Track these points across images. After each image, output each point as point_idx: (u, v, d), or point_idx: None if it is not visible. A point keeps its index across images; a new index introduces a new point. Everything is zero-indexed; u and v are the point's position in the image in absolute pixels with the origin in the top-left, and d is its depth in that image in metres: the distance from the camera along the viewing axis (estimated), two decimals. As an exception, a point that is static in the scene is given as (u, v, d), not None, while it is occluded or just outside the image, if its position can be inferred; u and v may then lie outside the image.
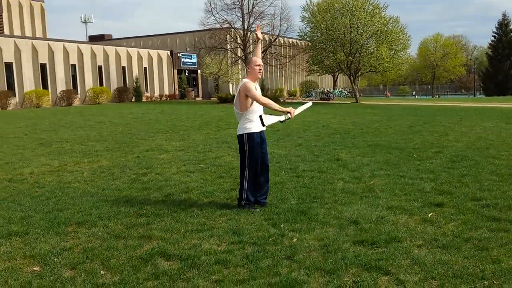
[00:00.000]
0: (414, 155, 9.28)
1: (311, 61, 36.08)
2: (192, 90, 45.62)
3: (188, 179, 7.26)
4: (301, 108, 5.77)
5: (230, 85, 48.14)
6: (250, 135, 5.37)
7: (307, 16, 33.96)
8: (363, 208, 5.50)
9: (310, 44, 35.67)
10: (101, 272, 3.73)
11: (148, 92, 42.00)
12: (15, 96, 31.12)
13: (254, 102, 5.34)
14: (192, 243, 4.36)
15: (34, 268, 3.79)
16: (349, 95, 47.03)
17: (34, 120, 19.87)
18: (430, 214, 5.23)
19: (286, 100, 39.03)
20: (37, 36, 44.39)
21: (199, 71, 47.47)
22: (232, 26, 35.75)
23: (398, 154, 9.41)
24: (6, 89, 30.57)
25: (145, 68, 41.95)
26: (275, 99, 35.17)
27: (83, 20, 77.72)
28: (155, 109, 26.99)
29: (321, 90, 45.36)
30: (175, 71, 45.37)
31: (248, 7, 35.15)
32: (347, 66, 34.07)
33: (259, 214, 5.27)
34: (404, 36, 33.41)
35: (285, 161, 8.85)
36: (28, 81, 32.19)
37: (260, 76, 5.50)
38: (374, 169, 7.89)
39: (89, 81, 36.55)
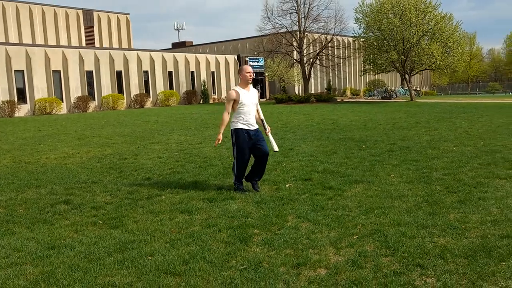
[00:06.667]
0: (363, 146, 10.58)
1: (366, 61, 36.76)
2: (258, 92, 47.93)
3: (149, 162, 9.33)
4: (272, 141, 6.68)
5: (296, 86, 49.84)
6: (236, 130, 6.35)
7: (359, 17, 34.76)
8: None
9: (363, 44, 36.39)
10: (20, 210, 5.89)
11: (215, 94, 45.05)
12: (94, 100, 35.47)
13: (239, 107, 6.29)
14: (92, 198, 6.39)
15: (-17, 207, 6.05)
16: (416, 93, 46.57)
17: (96, 120, 23.20)
18: (288, 185, 6.80)
19: (345, 100, 39.89)
20: (123, 47, 49.41)
21: (266, 73, 49.73)
22: (289, 30, 37.50)
23: (350, 146, 10.74)
24: (87, 94, 34.97)
25: (212, 72, 45.02)
26: (331, 99, 36.34)
27: (175, 27, 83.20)
28: (209, 110, 29.57)
29: (384, 89, 45.44)
30: (243, 74, 47.93)
31: (304, 11, 36.73)
32: (402, 64, 34.32)
33: (160, 183, 7.18)
34: (460, 33, 32.97)
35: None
36: (106, 86, 36.43)
37: (251, 82, 6.57)
38: (306, 156, 9.41)
39: (160, 85, 40.23)
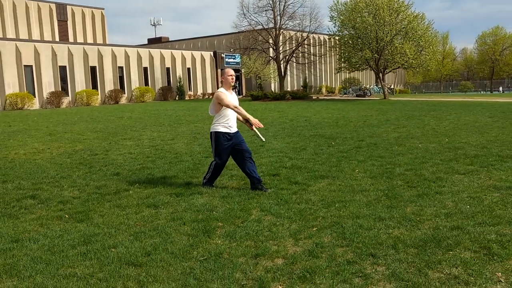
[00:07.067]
0: (332, 143, 10.80)
1: (341, 59, 37.21)
2: (234, 88, 47.89)
3: (120, 158, 9.36)
4: (258, 134, 6.85)
5: (272, 83, 50.06)
6: (217, 133, 6.41)
7: (334, 15, 35.16)
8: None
9: (338, 42, 36.84)
10: (-14, 205, 5.88)
11: (191, 91, 44.93)
12: (68, 96, 35.00)
13: (224, 108, 6.44)
14: (60, 193, 6.41)
15: None
16: (389, 91, 47.36)
17: (69, 115, 22.95)
18: (254, 180, 6.92)
19: (320, 98, 40.29)
20: (97, 42, 48.80)
21: (242, 70, 49.81)
22: (264, 27, 37.66)
23: (320, 142, 10.95)
24: (60, 89, 34.48)
25: (188, 69, 44.88)
26: (306, 96, 36.66)
27: (152, 23, 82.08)
28: (184, 106, 29.52)
29: (358, 87, 46.04)
30: (219, 70, 47.96)
31: (280, 9, 36.96)
32: (375, 63, 34.84)
33: (129, 179, 7.24)
34: (432, 33, 33.65)
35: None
36: (80, 82, 35.98)
37: (233, 84, 6.63)
38: (275, 152, 9.58)
39: (135, 81, 39.93)
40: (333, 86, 58.65)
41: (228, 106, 6.36)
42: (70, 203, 5.85)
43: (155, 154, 9.72)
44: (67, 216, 5.29)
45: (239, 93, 49.42)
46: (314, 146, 10.29)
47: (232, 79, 6.51)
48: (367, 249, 4.03)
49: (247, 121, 6.73)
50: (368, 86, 48.69)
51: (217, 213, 5.23)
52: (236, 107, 6.41)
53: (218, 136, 6.44)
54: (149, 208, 5.56)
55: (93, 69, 37.03)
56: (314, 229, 4.62)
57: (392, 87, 53.02)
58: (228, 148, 6.47)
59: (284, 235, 4.46)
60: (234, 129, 6.52)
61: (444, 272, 3.55)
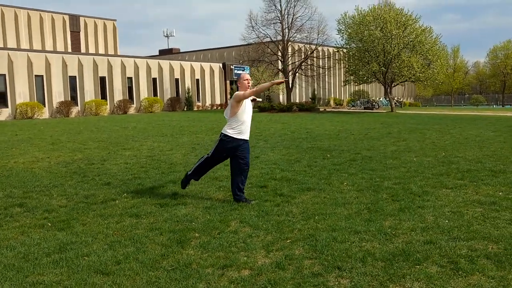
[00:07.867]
0: (327, 155, 10.83)
1: (348, 72, 37.29)
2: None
3: (115, 168, 9.47)
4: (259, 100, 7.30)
5: (280, 95, 50.22)
6: (225, 137, 6.39)
7: (342, 29, 35.31)
8: (199, 188, 7.36)
9: (346, 54, 36.96)
10: (-26, 212, 6.01)
11: (199, 102, 45.23)
12: (77, 106, 35.46)
13: (239, 112, 6.31)
14: (48, 201, 6.52)
15: None
16: (398, 104, 47.25)
17: (75, 125, 23.23)
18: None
19: (327, 110, 40.33)
20: (109, 53, 49.49)
21: (251, 82, 49.98)
22: (272, 40, 37.96)
23: (316, 155, 10.98)
24: (70, 99, 34.95)
25: (197, 80, 45.23)
26: (313, 109, 36.73)
27: (165, 34, 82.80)
28: (191, 117, 29.72)
29: (366, 99, 45.99)
30: (228, 82, 48.26)
31: (288, 22, 37.24)
32: (383, 76, 34.84)
33: (118, 188, 7.33)
34: (440, 46, 33.61)
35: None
36: (89, 92, 36.45)
37: (249, 87, 6.57)
38: (269, 164, 9.63)
39: (144, 91, 40.34)
40: (342, 99, 58.67)
41: (249, 94, 6.32)
42: (56, 212, 5.95)
43: (150, 164, 9.82)
44: (49, 224, 5.39)
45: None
46: (308, 158, 10.33)
47: (248, 83, 6.48)
48: (335, 261, 4.06)
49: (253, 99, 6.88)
50: (376, 98, 48.59)
51: (196, 224, 5.29)
52: (254, 90, 6.38)
53: (224, 141, 6.39)
54: (131, 217, 5.64)
55: (102, 79, 37.50)
56: (288, 241, 4.66)
57: (401, 100, 52.87)
58: (227, 152, 6.43)
59: (257, 247, 4.50)
60: (245, 136, 6.45)
61: (406, 286, 3.56)
